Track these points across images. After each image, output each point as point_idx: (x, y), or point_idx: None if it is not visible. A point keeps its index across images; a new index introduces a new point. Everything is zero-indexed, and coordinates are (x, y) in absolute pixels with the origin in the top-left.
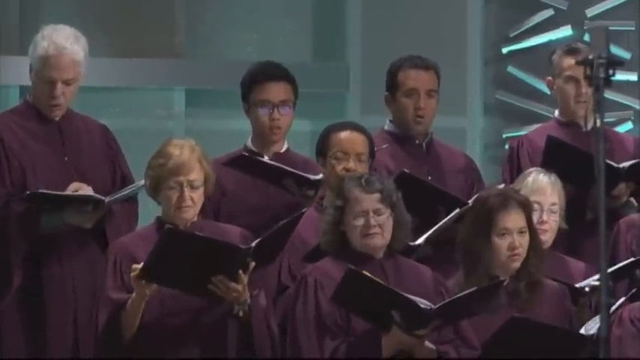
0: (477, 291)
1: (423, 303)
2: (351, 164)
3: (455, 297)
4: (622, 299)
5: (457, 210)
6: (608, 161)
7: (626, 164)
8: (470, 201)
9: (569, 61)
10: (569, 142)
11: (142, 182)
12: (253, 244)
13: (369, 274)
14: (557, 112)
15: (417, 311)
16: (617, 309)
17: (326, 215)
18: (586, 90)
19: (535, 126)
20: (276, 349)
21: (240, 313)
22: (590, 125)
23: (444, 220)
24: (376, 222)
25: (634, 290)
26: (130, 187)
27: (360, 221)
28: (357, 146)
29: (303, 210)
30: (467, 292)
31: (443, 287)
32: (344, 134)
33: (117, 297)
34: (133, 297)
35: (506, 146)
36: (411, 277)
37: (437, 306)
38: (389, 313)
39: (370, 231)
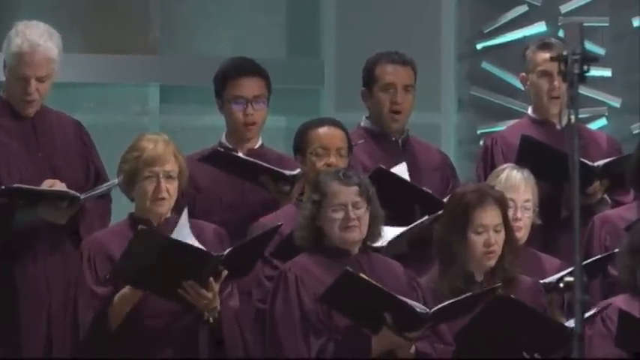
0: (473, 296)
1: (419, 307)
2: (332, 159)
3: (452, 301)
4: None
5: (426, 217)
6: (583, 159)
7: (600, 162)
8: (445, 199)
9: (543, 55)
10: (543, 141)
11: (113, 182)
12: (225, 252)
13: (365, 277)
14: (530, 110)
15: (412, 314)
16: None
17: (303, 210)
18: (559, 84)
19: (510, 122)
20: (249, 350)
21: (211, 320)
22: (564, 122)
23: (413, 225)
24: (355, 215)
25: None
26: (105, 184)
27: (340, 214)
28: (337, 141)
29: (279, 223)
30: (463, 296)
31: (415, 282)
32: (322, 130)
33: (101, 291)
34: (126, 292)
35: (481, 142)
36: (385, 273)
37: (433, 310)
38: (380, 314)
39: (350, 224)
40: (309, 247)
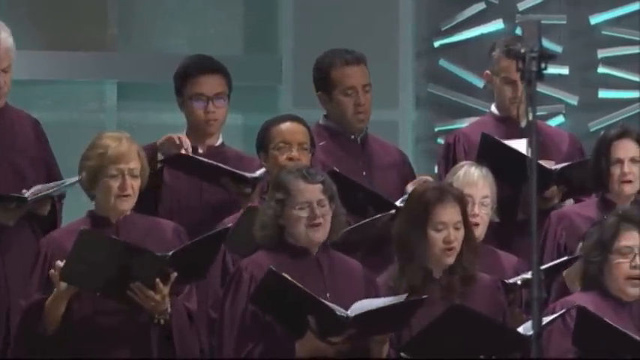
0: (397, 305)
1: (339, 310)
2: (295, 153)
3: (372, 309)
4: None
5: (379, 215)
6: (541, 162)
7: (557, 166)
8: (401, 198)
9: (508, 62)
10: (505, 138)
11: (69, 181)
12: (170, 253)
13: (288, 277)
14: (493, 106)
15: (333, 318)
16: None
17: (267, 209)
18: (522, 92)
19: (467, 119)
20: (206, 353)
21: (162, 322)
22: (525, 121)
23: (364, 221)
24: (320, 213)
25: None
26: (54, 184)
27: (305, 212)
28: (299, 136)
29: (228, 225)
30: (386, 304)
31: (373, 285)
32: (284, 125)
33: (32, 300)
34: (55, 294)
35: (439, 140)
36: (344, 273)
37: (353, 315)
38: (305, 317)
39: (316, 221)
40: (272, 246)
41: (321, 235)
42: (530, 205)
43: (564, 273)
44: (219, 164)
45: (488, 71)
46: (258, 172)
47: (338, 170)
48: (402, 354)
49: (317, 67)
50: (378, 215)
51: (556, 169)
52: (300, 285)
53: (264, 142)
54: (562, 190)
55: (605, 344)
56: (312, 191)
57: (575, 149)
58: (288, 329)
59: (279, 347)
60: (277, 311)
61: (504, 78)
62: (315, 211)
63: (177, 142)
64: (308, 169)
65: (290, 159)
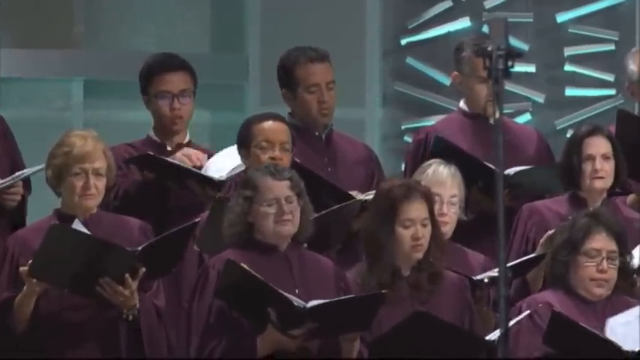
0: (355, 299)
1: (297, 301)
2: (277, 153)
3: (330, 300)
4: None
5: (343, 204)
6: (490, 165)
7: (510, 171)
8: (367, 192)
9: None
10: (474, 135)
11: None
12: (140, 247)
13: (246, 267)
14: (462, 103)
15: (291, 309)
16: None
17: (235, 207)
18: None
19: (434, 117)
20: (174, 350)
21: (130, 318)
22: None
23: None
24: (288, 209)
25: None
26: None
27: (273, 209)
28: (281, 135)
29: (197, 220)
30: (344, 297)
31: (343, 282)
32: (267, 124)
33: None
34: (24, 292)
35: (406, 138)
36: (314, 270)
37: (310, 306)
38: (265, 309)
39: (284, 217)
40: (241, 243)
41: (289, 229)
42: (497, 204)
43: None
44: (186, 166)
45: (455, 72)
46: (225, 175)
47: (298, 161)
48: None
49: (281, 64)
50: (346, 203)
51: (509, 174)
52: (258, 275)
53: (245, 139)
54: (512, 194)
55: (577, 346)
56: (280, 188)
57: (543, 147)
58: (253, 323)
59: (242, 342)
60: (241, 305)
61: (479, 77)
62: (282, 208)
63: (193, 158)
64: (275, 165)
65: (272, 158)
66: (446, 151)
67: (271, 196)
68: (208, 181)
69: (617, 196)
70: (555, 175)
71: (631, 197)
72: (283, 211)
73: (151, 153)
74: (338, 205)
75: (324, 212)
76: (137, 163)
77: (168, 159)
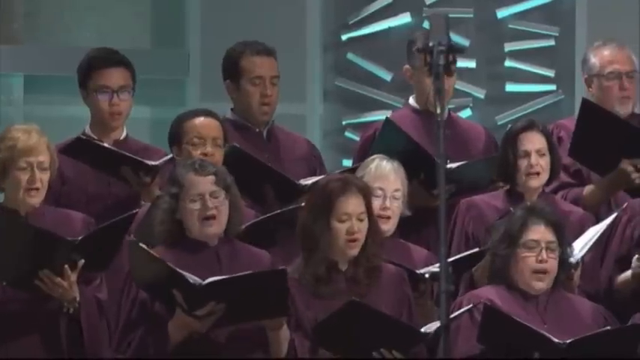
0: (254, 274)
1: (192, 278)
2: (209, 149)
3: (227, 276)
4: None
5: (292, 206)
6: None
7: (452, 165)
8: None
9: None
10: (423, 131)
11: None
12: (79, 238)
13: (145, 247)
14: (412, 99)
15: (189, 287)
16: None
17: (163, 204)
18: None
19: (375, 112)
20: (115, 344)
21: (71, 310)
22: (445, 114)
23: (274, 212)
24: (213, 204)
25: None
26: None
27: (197, 205)
28: (213, 131)
29: (135, 211)
30: (241, 273)
31: None
32: (198, 120)
33: None
34: None
35: (346, 133)
36: (248, 264)
37: (206, 282)
38: (170, 291)
39: (208, 213)
40: (171, 240)
41: (215, 227)
42: (440, 198)
43: (473, 269)
44: (118, 150)
45: (407, 66)
46: (158, 161)
47: (238, 145)
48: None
49: (227, 55)
50: (288, 207)
51: (450, 168)
52: (156, 255)
53: (177, 136)
54: (451, 190)
55: (512, 341)
56: (204, 183)
57: (491, 143)
58: (168, 309)
59: (155, 331)
60: (157, 291)
61: (429, 71)
62: (207, 203)
63: None
64: (201, 161)
65: (204, 154)
66: (393, 134)
67: (195, 192)
68: (143, 166)
69: (573, 187)
70: (493, 167)
71: (587, 188)
72: (207, 207)
73: (83, 137)
74: (278, 211)
75: (265, 217)
76: (70, 152)
77: (102, 144)
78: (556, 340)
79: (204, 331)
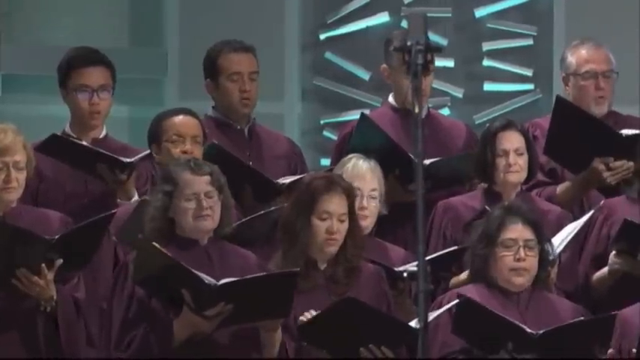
0: (267, 276)
1: (207, 279)
2: (188, 147)
3: (241, 278)
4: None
5: (278, 206)
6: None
7: (427, 161)
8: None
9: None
10: (402, 130)
11: None
12: (57, 236)
13: (157, 245)
14: (391, 98)
15: (202, 287)
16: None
17: (155, 202)
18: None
19: (353, 112)
20: (94, 344)
21: (48, 309)
22: (424, 113)
23: (260, 212)
24: (207, 204)
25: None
26: None
27: (192, 204)
28: (192, 129)
29: (113, 210)
30: (255, 275)
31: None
32: (177, 119)
33: None
34: None
35: (325, 132)
36: (236, 263)
37: (221, 283)
38: (179, 291)
39: (203, 212)
40: (160, 238)
41: (208, 225)
42: (417, 196)
43: (450, 282)
44: (93, 147)
45: (384, 65)
46: (134, 158)
47: (217, 143)
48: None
49: (207, 54)
50: (272, 208)
51: (425, 164)
52: (168, 253)
53: (156, 134)
54: (427, 186)
55: (485, 331)
56: (200, 183)
57: (472, 140)
58: (170, 307)
59: (158, 329)
60: (157, 288)
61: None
62: (202, 203)
63: None
64: (196, 160)
65: (184, 152)
66: (368, 130)
67: (191, 192)
68: (118, 163)
69: (548, 185)
70: (470, 163)
71: (561, 186)
72: (202, 207)
73: (58, 134)
74: (264, 211)
75: (251, 217)
76: (46, 149)
77: (77, 141)
78: (529, 330)
79: (210, 332)
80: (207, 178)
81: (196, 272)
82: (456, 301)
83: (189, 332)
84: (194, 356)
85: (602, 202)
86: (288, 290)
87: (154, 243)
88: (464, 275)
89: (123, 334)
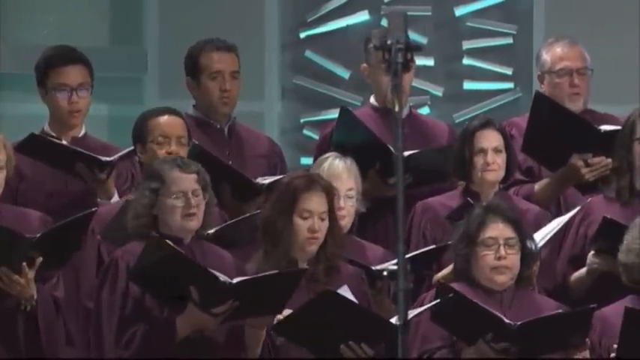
0: (278, 274)
1: (222, 277)
2: (173, 148)
3: (255, 276)
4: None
5: (254, 212)
6: (389, 147)
7: (406, 153)
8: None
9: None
10: (384, 129)
11: None
12: (38, 235)
13: (171, 243)
14: (372, 98)
15: (216, 285)
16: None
17: (141, 199)
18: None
19: (333, 110)
20: (74, 342)
21: (28, 308)
22: (405, 112)
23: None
24: (195, 202)
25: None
26: None
27: (179, 202)
28: (177, 130)
29: (93, 209)
30: (268, 273)
31: (243, 274)
32: (163, 119)
33: None
34: None
35: (304, 131)
36: (216, 263)
37: (236, 281)
38: (185, 288)
39: (190, 211)
40: (144, 235)
41: (195, 224)
42: (397, 197)
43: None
44: (72, 146)
45: (364, 64)
46: (113, 157)
47: (198, 143)
48: (273, 332)
49: (189, 53)
50: (258, 211)
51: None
52: (182, 251)
53: (141, 134)
54: (407, 180)
55: (464, 320)
56: (188, 181)
57: (453, 140)
58: (169, 305)
59: (159, 326)
60: (158, 286)
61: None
62: (190, 201)
63: None
64: (183, 158)
65: (169, 153)
66: (349, 123)
67: (178, 189)
68: (97, 162)
69: (525, 184)
70: (448, 157)
71: (539, 184)
72: (190, 205)
73: (36, 133)
74: (248, 214)
75: (235, 220)
76: (24, 149)
77: (55, 140)
78: (507, 320)
79: (214, 328)
80: (194, 176)
81: (212, 271)
82: (437, 301)
83: (191, 329)
84: (191, 357)
85: (588, 199)
86: (290, 288)
87: (168, 241)
88: (447, 270)
89: (120, 333)
